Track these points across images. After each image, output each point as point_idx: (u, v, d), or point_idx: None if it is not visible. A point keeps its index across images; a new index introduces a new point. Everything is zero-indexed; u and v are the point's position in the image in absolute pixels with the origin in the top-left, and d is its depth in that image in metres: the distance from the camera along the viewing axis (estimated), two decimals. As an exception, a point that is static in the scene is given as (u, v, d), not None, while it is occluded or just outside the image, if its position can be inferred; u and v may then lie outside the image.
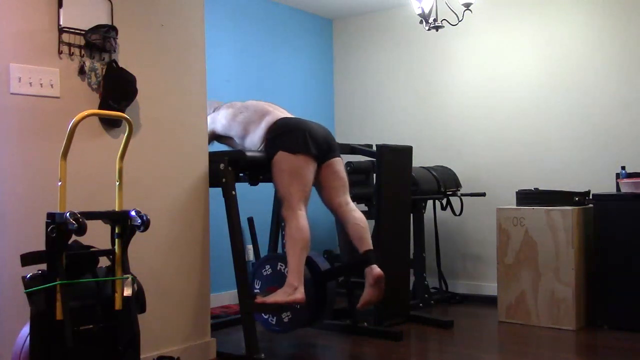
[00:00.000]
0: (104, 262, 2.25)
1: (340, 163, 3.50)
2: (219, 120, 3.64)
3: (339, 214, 3.42)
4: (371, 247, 3.34)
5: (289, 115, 3.55)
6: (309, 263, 3.39)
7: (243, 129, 3.51)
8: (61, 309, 2.04)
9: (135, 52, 2.96)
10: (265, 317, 3.44)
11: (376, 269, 3.26)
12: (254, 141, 3.45)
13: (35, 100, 2.59)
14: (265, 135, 3.39)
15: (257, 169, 3.45)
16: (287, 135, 3.31)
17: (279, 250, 4.19)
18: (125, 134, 2.31)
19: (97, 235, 2.24)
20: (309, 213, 3.32)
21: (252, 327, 3.15)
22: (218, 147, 3.83)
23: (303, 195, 3.27)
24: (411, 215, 4.23)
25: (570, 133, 4.52)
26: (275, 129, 3.36)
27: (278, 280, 3.36)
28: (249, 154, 3.33)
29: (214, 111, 3.72)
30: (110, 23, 2.83)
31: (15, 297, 2.37)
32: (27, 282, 2.06)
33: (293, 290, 3.11)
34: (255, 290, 3.45)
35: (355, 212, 3.42)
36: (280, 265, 3.39)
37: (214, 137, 3.68)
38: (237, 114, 3.57)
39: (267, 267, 3.45)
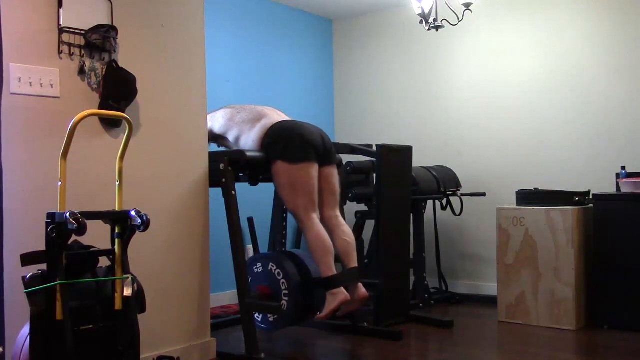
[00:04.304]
0: (104, 262, 2.25)
1: (334, 175, 3.52)
2: (217, 119, 3.64)
3: (327, 227, 3.45)
4: (357, 265, 3.44)
5: (286, 119, 3.55)
6: (298, 264, 3.43)
7: (239, 130, 3.51)
8: (61, 309, 2.04)
9: (135, 52, 2.96)
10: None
11: (362, 289, 3.40)
12: (248, 143, 3.44)
13: (35, 100, 2.59)
14: (261, 140, 3.39)
15: (257, 169, 3.46)
16: (283, 143, 3.32)
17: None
18: (125, 134, 2.31)
19: (97, 235, 2.24)
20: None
21: (252, 327, 3.16)
22: (217, 147, 3.84)
23: (310, 202, 3.33)
24: (411, 215, 4.24)
25: (571, 133, 4.52)
26: (271, 135, 3.36)
27: (268, 280, 3.43)
28: (249, 154, 3.33)
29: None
30: (110, 23, 2.82)
31: (16, 297, 2.37)
32: (27, 282, 2.06)
33: (334, 296, 3.26)
34: None
35: (344, 227, 3.49)
36: (272, 266, 3.43)
37: (211, 136, 3.69)
38: (235, 114, 3.58)
39: (259, 265, 3.50)
